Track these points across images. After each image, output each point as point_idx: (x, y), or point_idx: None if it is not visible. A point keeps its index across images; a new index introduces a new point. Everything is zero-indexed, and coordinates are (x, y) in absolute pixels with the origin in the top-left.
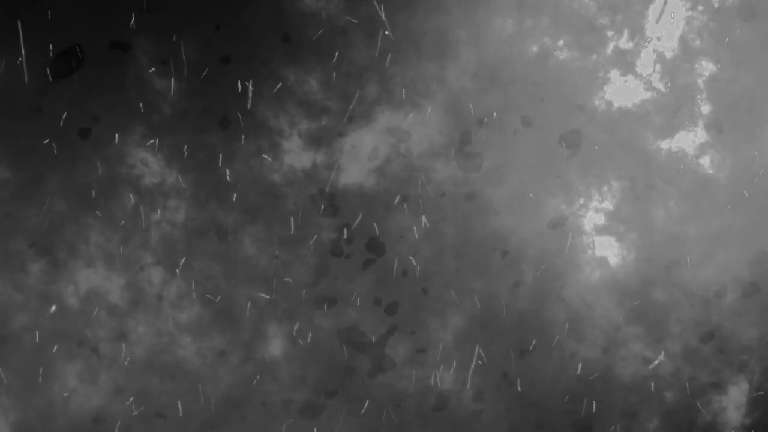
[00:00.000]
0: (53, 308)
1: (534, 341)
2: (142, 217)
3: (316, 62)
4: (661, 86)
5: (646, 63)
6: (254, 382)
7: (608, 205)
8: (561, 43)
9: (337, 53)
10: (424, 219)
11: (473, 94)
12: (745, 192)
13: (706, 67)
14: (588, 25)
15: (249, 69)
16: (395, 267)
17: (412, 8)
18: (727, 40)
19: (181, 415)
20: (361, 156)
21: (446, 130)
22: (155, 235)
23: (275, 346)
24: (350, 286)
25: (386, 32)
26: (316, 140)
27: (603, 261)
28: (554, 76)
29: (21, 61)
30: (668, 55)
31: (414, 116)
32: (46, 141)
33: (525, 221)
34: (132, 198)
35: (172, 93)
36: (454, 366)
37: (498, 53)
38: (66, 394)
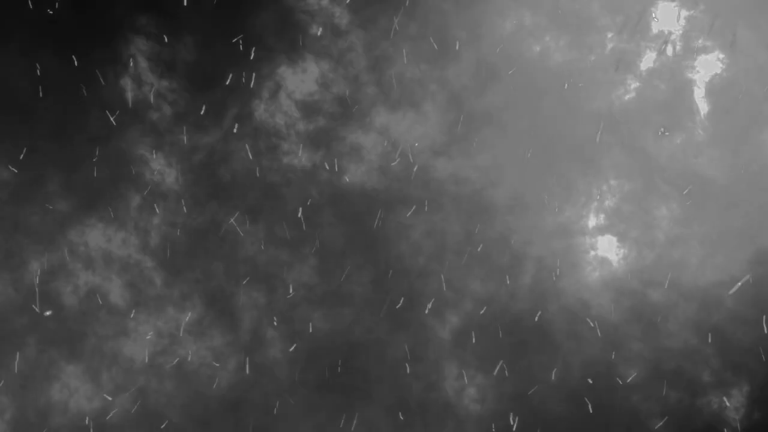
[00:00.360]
0: (48, 312)
1: (534, 341)
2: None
3: (316, 62)
4: (661, 84)
5: (646, 62)
6: (254, 381)
7: (609, 204)
8: (562, 43)
9: (337, 53)
10: (424, 218)
11: (474, 94)
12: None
13: (707, 67)
14: (589, 25)
15: (249, 69)
16: (395, 266)
17: (413, 9)
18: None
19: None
20: (361, 156)
21: (447, 129)
22: (156, 236)
23: (276, 346)
24: (351, 285)
25: (388, 33)
26: (315, 141)
27: (604, 261)
28: (554, 76)
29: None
30: (669, 53)
31: (414, 116)
32: (47, 141)
33: (525, 220)
34: (134, 197)
35: (171, 93)
36: (455, 364)
37: (499, 53)
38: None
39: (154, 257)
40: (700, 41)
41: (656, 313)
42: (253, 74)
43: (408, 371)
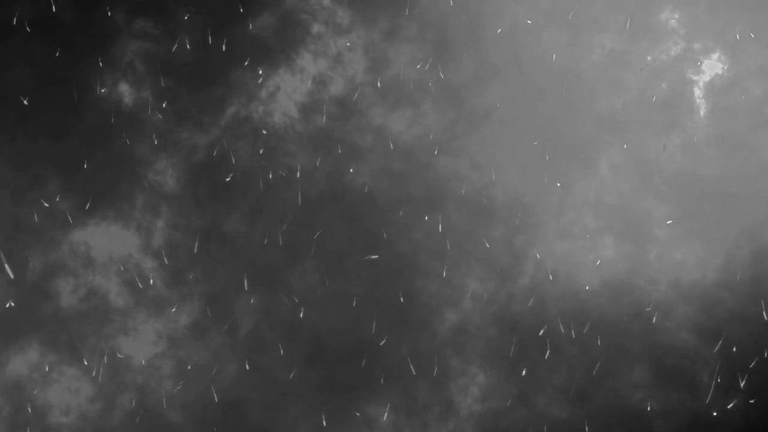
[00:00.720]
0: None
1: (534, 341)
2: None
3: (315, 62)
4: (663, 85)
5: (646, 62)
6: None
7: (608, 203)
8: (563, 41)
9: (337, 53)
10: (426, 217)
11: (474, 92)
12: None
13: (708, 67)
14: (592, 25)
15: (247, 69)
16: (397, 265)
17: (414, 8)
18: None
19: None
20: (361, 155)
21: (448, 128)
22: (158, 237)
23: (276, 346)
24: (353, 285)
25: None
26: (315, 141)
27: (604, 261)
28: (555, 75)
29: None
30: (672, 53)
31: (414, 115)
32: (47, 141)
33: (524, 220)
34: (137, 198)
35: (171, 93)
36: (456, 363)
37: (500, 51)
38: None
39: (155, 258)
40: (700, 41)
41: (656, 313)
42: (259, 71)
43: (409, 370)
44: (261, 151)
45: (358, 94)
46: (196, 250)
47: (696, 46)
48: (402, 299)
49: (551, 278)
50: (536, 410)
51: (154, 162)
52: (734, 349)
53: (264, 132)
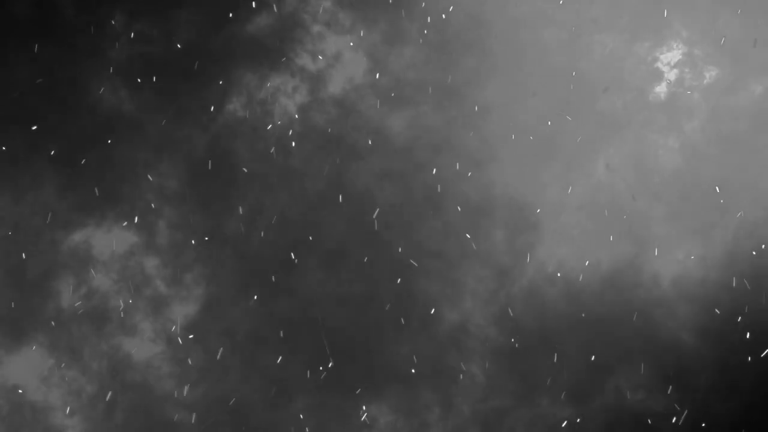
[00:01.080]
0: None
1: (534, 341)
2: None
3: (314, 61)
4: (663, 87)
5: (648, 63)
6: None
7: (608, 203)
8: (564, 40)
9: (337, 52)
10: (429, 215)
11: (475, 90)
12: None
13: (707, 69)
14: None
15: (246, 70)
16: (395, 265)
17: (416, 6)
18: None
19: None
20: (362, 155)
21: (448, 127)
22: (157, 237)
23: (276, 346)
24: (352, 285)
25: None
26: (315, 140)
27: (604, 261)
28: (555, 74)
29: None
30: (672, 54)
31: (414, 115)
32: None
33: (524, 220)
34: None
35: (171, 94)
36: (456, 363)
37: (500, 51)
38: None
39: (155, 258)
40: (701, 42)
41: (655, 313)
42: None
43: (410, 370)
44: (260, 152)
45: (358, 94)
46: (196, 251)
47: (696, 47)
48: (402, 299)
49: (551, 278)
50: (536, 410)
51: (154, 162)
52: (732, 349)
53: (264, 131)
